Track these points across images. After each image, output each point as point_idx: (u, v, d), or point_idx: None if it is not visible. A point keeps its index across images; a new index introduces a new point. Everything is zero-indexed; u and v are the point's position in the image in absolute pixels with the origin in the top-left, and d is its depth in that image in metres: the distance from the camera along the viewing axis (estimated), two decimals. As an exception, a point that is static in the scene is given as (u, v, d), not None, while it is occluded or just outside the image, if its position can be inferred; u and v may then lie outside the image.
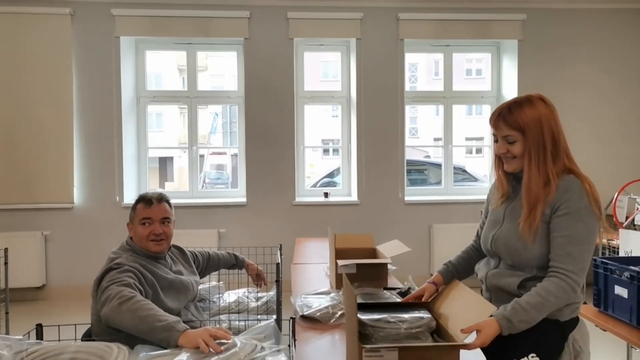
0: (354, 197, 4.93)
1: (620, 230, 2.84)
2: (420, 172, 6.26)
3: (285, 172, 4.82)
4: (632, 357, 2.77)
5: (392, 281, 2.34)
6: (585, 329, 1.54)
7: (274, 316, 2.19)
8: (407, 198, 4.89)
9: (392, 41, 4.83)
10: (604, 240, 3.70)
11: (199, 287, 2.25)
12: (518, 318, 1.39)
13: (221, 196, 5.10)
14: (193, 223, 4.68)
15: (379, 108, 4.84)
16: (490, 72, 5.27)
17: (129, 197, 4.70)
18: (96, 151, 4.67)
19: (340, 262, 2.14)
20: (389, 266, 2.25)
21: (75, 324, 1.53)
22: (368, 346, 1.24)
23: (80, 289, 4.41)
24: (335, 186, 5.50)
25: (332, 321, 1.80)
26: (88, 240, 4.63)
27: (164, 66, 11.69)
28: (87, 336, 1.79)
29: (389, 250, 2.32)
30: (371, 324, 1.34)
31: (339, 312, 1.83)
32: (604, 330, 2.15)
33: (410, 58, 5.11)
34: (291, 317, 1.50)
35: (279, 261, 2.34)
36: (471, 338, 1.33)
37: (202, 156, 5.55)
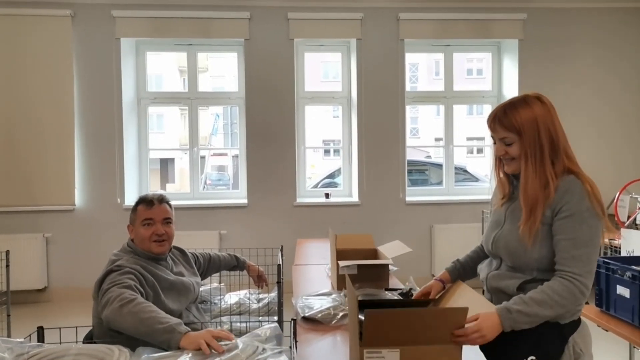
0: (354, 198, 4.93)
1: (622, 229, 2.83)
2: (421, 172, 6.25)
3: (286, 173, 4.81)
4: (635, 357, 2.76)
5: (394, 282, 2.33)
6: (586, 331, 1.51)
7: (275, 317, 2.18)
8: (408, 198, 4.89)
9: (393, 41, 4.83)
10: (606, 240, 3.70)
11: (200, 289, 2.25)
12: (517, 308, 1.37)
13: (222, 197, 5.10)
14: (194, 224, 4.68)
15: (380, 108, 4.84)
16: (491, 72, 5.27)
17: (130, 198, 4.70)
18: (97, 153, 4.68)
19: (342, 263, 2.13)
20: (390, 267, 2.25)
21: (76, 327, 1.53)
22: (368, 348, 1.23)
23: (82, 291, 4.41)
24: (336, 187, 5.50)
25: (333, 322, 1.80)
26: (89, 242, 4.63)
27: (164, 67, 11.71)
28: (89, 338, 1.79)
29: (390, 250, 2.32)
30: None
31: (341, 314, 1.83)
32: (606, 331, 2.15)
33: (410, 58, 5.11)
34: (292, 319, 1.50)
35: (280, 262, 2.33)
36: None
37: (203, 157, 5.55)
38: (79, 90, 4.64)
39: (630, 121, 4.96)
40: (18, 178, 4.55)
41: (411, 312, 1.27)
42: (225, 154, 10.42)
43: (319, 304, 1.91)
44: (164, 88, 11.16)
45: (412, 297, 1.83)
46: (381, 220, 4.81)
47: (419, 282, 2.08)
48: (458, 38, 4.92)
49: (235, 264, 2.52)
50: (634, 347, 2.59)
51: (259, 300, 2.45)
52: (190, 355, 1.34)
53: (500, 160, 1.59)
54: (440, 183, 5.32)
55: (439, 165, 5.40)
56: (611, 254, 3.52)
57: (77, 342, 1.46)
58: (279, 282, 2.22)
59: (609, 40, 4.92)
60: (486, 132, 1.59)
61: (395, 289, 2.08)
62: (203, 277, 2.37)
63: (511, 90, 4.96)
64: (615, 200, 3.84)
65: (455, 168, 5.29)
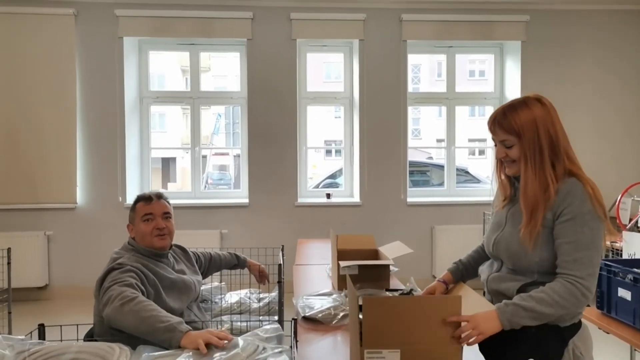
0: (356, 198, 4.92)
1: (624, 232, 2.83)
2: (422, 173, 6.25)
3: (288, 173, 4.82)
4: (636, 360, 2.76)
5: (394, 282, 2.33)
6: (587, 334, 1.50)
7: (276, 317, 2.18)
8: (409, 199, 4.88)
9: (395, 42, 4.83)
10: (607, 243, 3.69)
11: (201, 288, 2.25)
12: (513, 301, 1.37)
13: (223, 197, 5.10)
14: (195, 224, 4.68)
15: (382, 109, 4.84)
16: (493, 74, 5.27)
17: (132, 197, 4.65)
18: (99, 151, 4.69)
19: (343, 264, 2.13)
20: (391, 267, 2.25)
21: (77, 324, 1.54)
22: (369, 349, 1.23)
23: (83, 289, 4.42)
24: (337, 187, 5.50)
25: (334, 322, 1.80)
26: (91, 241, 4.64)
27: (167, 67, 11.72)
28: (90, 336, 1.79)
29: (391, 251, 2.32)
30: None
31: (341, 314, 1.83)
32: (607, 333, 2.14)
33: (413, 59, 5.10)
34: (293, 319, 1.50)
35: (281, 262, 2.33)
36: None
37: (204, 157, 5.56)
38: (81, 89, 4.65)
39: (633, 123, 4.95)
40: (20, 176, 4.56)
41: (407, 300, 1.33)
42: (227, 154, 10.42)
43: (319, 304, 1.91)
44: (166, 87, 11.18)
45: None
46: (382, 221, 4.81)
47: (420, 283, 2.08)
48: (461, 39, 4.92)
49: (236, 263, 2.52)
50: (635, 349, 2.59)
51: (259, 300, 2.45)
52: (190, 354, 1.34)
53: (501, 163, 1.59)
54: (441, 184, 5.32)
55: (441, 167, 5.39)
56: (613, 257, 3.51)
57: (77, 340, 1.47)
58: (279, 282, 2.22)
59: (611, 42, 4.91)
60: (488, 134, 1.59)
61: (396, 290, 2.08)
62: (204, 276, 2.37)
63: (514, 92, 4.96)
64: (617, 203, 3.83)
65: (457, 169, 5.29)
